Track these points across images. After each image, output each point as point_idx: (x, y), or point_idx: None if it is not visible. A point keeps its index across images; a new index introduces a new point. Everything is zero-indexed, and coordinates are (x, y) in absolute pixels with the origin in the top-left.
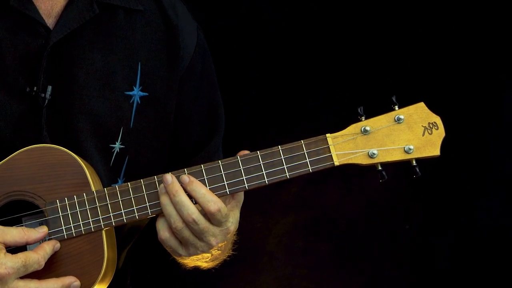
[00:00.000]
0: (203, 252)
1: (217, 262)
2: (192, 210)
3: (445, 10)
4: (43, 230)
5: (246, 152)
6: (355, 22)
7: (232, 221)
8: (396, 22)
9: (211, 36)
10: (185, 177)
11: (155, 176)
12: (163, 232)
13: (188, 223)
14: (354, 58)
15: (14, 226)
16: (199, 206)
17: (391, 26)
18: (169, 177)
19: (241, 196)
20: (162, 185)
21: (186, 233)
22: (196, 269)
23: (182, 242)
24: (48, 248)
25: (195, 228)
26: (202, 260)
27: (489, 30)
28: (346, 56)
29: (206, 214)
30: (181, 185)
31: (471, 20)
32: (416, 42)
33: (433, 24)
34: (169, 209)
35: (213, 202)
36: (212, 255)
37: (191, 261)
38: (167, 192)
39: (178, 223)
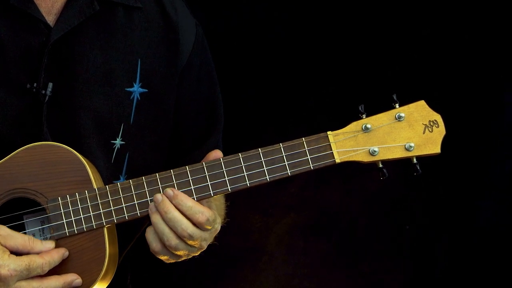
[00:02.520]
0: (194, 254)
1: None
2: (186, 225)
3: (445, 8)
4: (49, 245)
5: (219, 153)
6: (355, 20)
7: (218, 220)
8: (396, 20)
9: (210, 36)
10: (169, 191)
11: (157, 174)
12: (155, 244)
13: (183, 238)
14: (354, 56)
15: (21, 233)
16: None
17: (391, 24)
18: (159, 196)
19: None
20: (152, 204)
21: (181, 246)
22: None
23: (173, 253)
24: (57, 256)
25: (189, 241)
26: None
27: (489, 29)
28: (347, 54)
29: (195, 224)
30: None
31: (471, 18)
32: (417, 40)
33: (433, 22)
34: (161, 227)
35: (200, 213)
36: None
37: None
38: (158, 211)
39: (172, 241)
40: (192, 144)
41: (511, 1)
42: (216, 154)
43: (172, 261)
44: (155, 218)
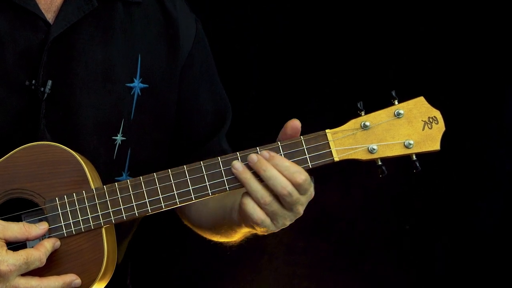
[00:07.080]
0: (291, 221)
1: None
2: (285, 183)
3: (445, 6)
4: (43, 226)
5: (297, 122)
6: (354, 17)
7: (313, 185)
8: (395, 17)
9: (211, 36)
10: (265, 153)
11: (155, 173)
12: (257, 215)
13: (283, 196)
14: (353, 53)
15: (14, 222)
16: None
17: (390, 21)
18: (254, 156)
19: None
20: (236, 164)
21: (275, 206)
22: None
23: (271, 216)
24: (49, 245)
25: (288, 200)
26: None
27: (489, 28)
28: (346, 51)
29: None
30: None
31: (471, 16)
32: (416, 37)
33: (433, 20)
34: (254, 184)
35: (298, 173)
36: None
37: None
38: (256, 170)
39: (266, 198)
40: (200, 139)
41: (511, 1)
42: (294, 123)
43: (272, 229)
44: (247, 175)
